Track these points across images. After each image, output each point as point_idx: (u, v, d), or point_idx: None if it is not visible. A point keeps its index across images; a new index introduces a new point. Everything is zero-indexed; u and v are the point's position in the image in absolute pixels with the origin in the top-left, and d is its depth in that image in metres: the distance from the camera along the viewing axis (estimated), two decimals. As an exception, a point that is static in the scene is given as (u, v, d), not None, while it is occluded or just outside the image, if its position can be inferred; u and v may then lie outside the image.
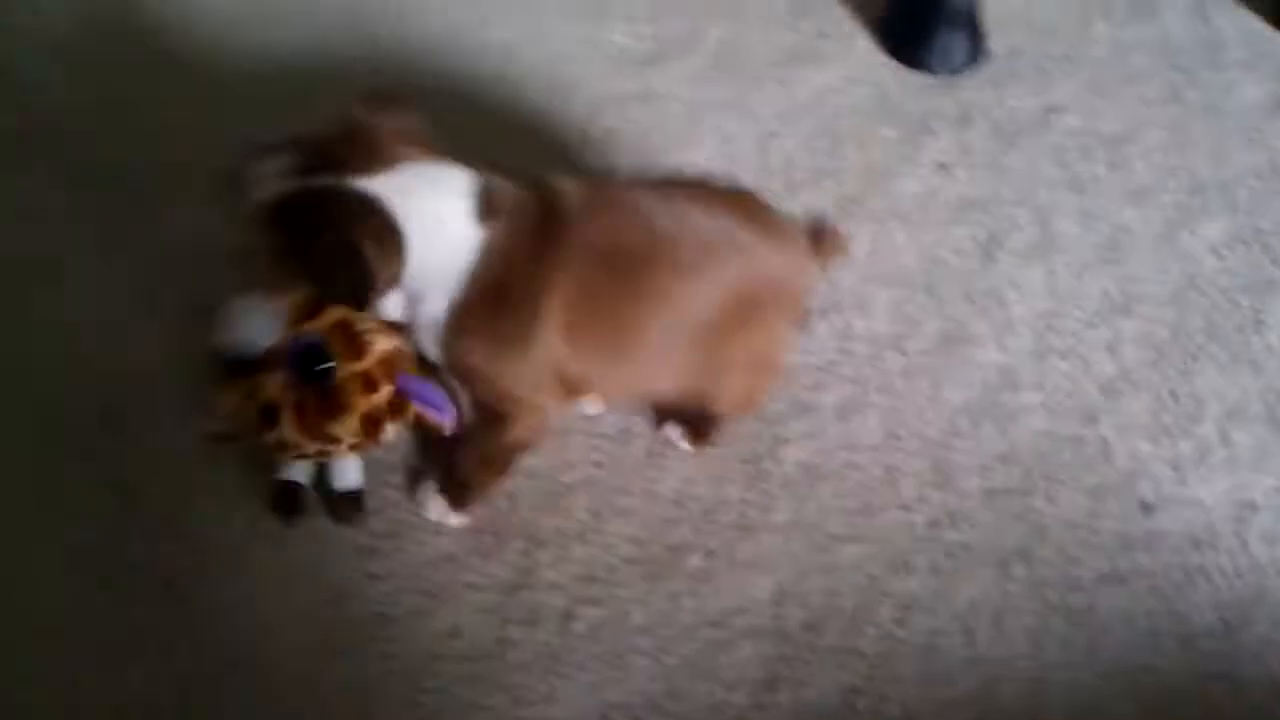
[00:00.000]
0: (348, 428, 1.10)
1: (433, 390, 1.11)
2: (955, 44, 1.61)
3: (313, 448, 1.12)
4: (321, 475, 1.18)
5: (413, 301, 1.03)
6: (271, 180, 0.98)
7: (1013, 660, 1.11)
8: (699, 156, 1.46)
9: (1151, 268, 1.39)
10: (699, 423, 1.20)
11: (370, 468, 1.19)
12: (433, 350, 1.06)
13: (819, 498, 1.21)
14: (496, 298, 1.01)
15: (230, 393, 1.11)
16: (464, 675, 1.10)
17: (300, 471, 1.17)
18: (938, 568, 1.16)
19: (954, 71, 1.62)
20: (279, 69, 1.55)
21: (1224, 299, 1.36)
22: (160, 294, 1.31)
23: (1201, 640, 1.11)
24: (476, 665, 1.11)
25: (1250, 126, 1.55)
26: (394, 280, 0.98)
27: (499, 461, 1.15)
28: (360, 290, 0.96)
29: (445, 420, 1.11)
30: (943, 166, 1.49)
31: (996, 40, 1.65)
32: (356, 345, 1.10)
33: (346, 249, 0.94)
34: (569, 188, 1.04)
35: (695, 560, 1.17)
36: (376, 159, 0.97)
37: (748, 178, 1.30)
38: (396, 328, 1.10)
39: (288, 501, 1.17)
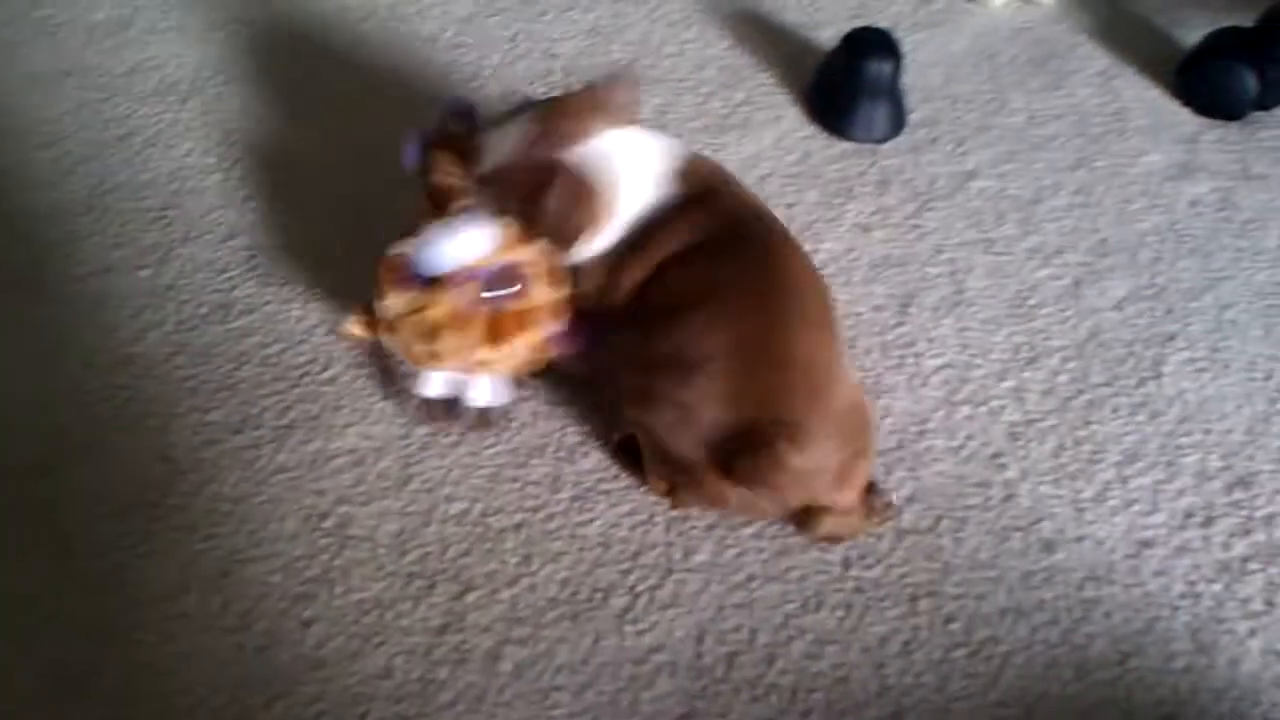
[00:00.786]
0: (504, 351, 1.22)
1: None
2: (877, 115, 1.69)
3: (472, 360, 1.23)
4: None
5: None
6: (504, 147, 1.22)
7: (919, 691, 1.15)
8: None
9: (1058, 322, 1.46)
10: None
11: (307, 518, 1.24)
12: (589, 282, 1.26)
13: (739, 540, 1.25)
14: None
15: (399, 299, 1.23)
16: (393, 715, 1.14)
17: (438, 385, 1.28)
18: (850, 604, 1.21)
19: (876, 140, 1.70)
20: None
21: (1125, 351, 1.43)
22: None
23: (1097, 671, 1.16)
24: (405, 705, 1.14)
25: (1152, 190, 1.63)
26: (595, 231, 1.22)
27: None
28: (571, 242, 1.22)
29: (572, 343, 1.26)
30: (863, 228, 1.56)
31: (917, 111, 1.73)
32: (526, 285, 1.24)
33: (563, 214, 1.20)
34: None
35: (620, 601, 1.21)
36: (587, 126, 1.22)
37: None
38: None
39: (440, 409, 1.31)
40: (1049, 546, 1.24)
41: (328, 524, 1.25)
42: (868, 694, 1.15)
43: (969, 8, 1.94)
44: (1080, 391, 1.38)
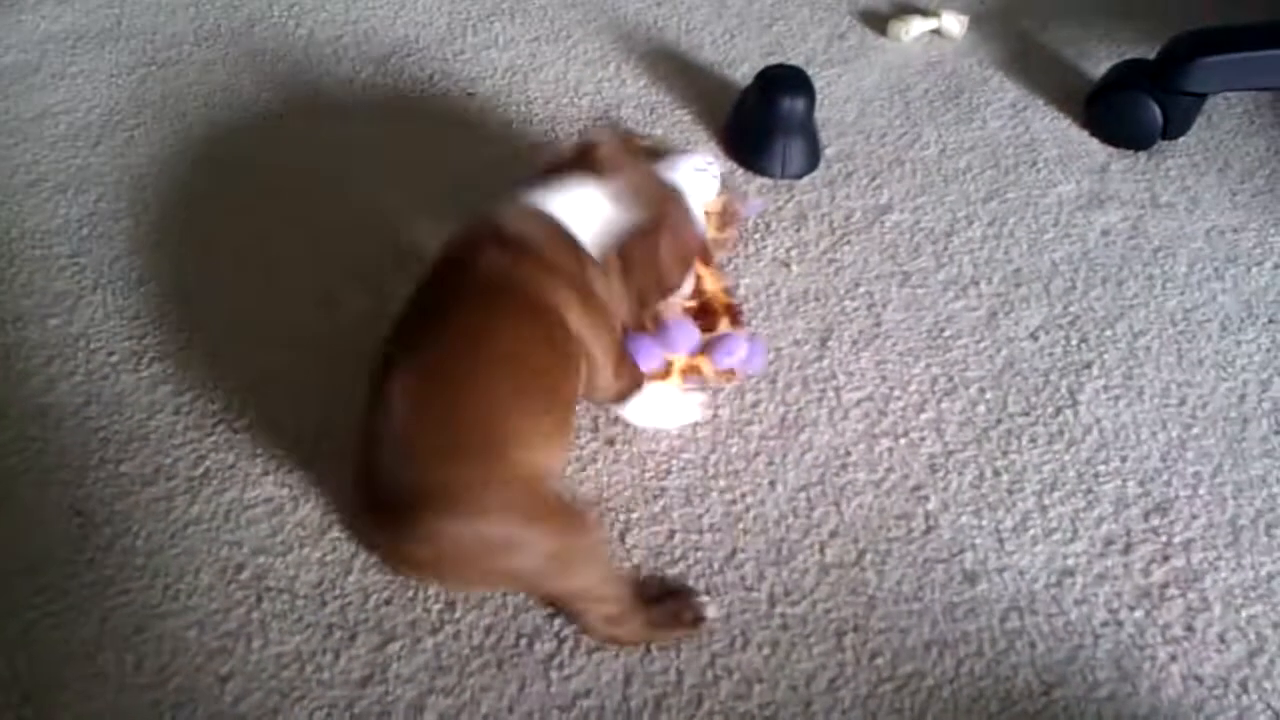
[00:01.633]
0: None
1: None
2: (792, 151, 1.70)
3: None
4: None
5: None
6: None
7: (847, 727, 1.15)
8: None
9: (974, 353, 1.47)
10: None
11: (222, 570, 1.21)
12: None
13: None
14: None
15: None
16: (315, 769, 1.11)
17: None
18: (776, 642, 1.20)
19: (792, 176, 1.71)
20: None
21: (1041, 380, 1.45)
22: None
23: (1021, 702, 1.17)
24: (328, 758, 1.12)
25: (1064, 220, 1.66)
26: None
27: None
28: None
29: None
30: (781, 262, 1.57)
31: (832, 146, 1.75)
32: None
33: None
34: None
35: (546, 646, 1.20)
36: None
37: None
38: None
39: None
40: (971, 577, 1.25)
41: (244, 575, 1.23)
42: (796, 732, 1.15)
43: (880, 43, 1.97)
44: (998, 421, 1.39)
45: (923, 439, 1.38)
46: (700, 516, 1.30)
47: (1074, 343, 1.49)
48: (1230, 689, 1.18)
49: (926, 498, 1.32)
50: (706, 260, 1.41)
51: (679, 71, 1.90)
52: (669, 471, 1.33)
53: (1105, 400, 1.43)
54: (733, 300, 1.41)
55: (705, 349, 1.35)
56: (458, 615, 1.21)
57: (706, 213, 1.42)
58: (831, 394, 1.42)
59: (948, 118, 1.83)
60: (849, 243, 1.61)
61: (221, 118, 1.78)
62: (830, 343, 1.48)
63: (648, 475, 1.32)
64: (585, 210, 1.20)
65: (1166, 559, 1.28)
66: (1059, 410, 1.42)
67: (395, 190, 1.66)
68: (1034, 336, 1.50)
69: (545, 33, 1.98)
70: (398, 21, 1.99)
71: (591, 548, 1.12)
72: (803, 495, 1.32)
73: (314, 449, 1.33)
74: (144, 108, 1.79)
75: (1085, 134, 1.81)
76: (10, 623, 1.19)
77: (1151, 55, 1.77)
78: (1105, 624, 1.22)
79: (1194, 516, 1.32)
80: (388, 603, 1.22)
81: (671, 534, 1.28)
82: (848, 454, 1.36)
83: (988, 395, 1.43)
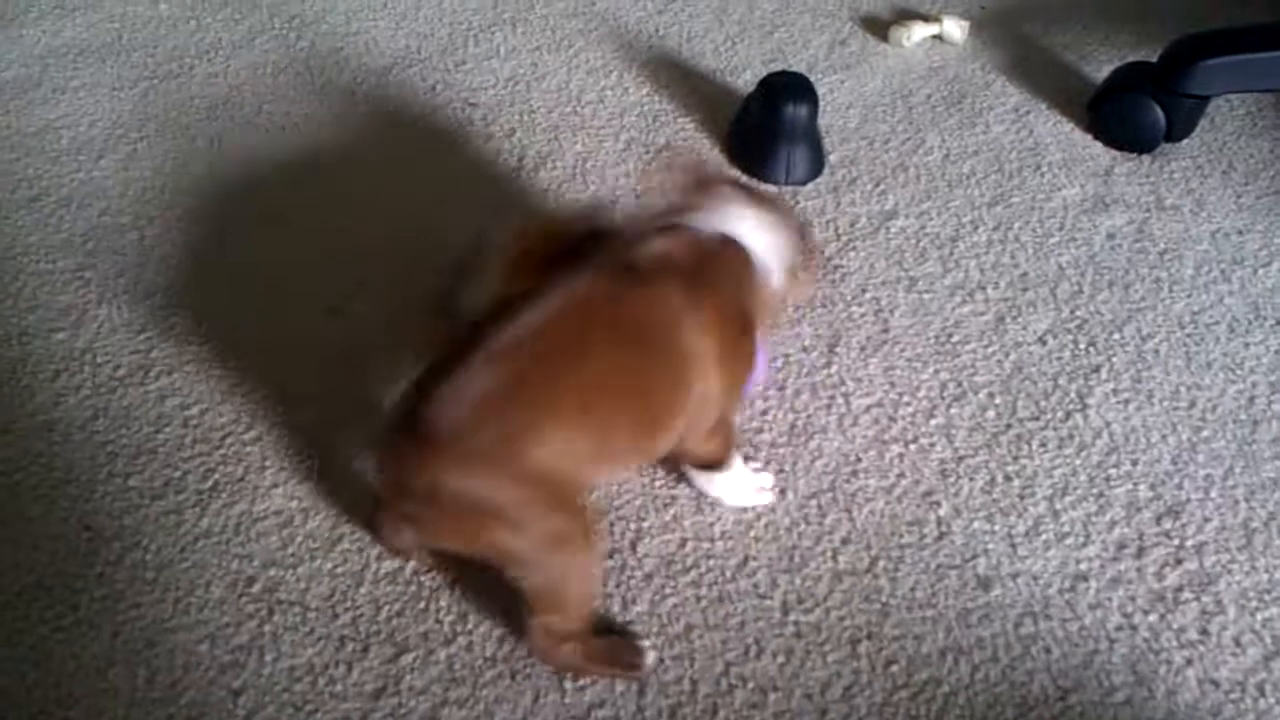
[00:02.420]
0: None
1: None
2: (796, 158, 1.70)
3: None
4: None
5: None
6: None
7: (863, 735, 1.15)
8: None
9: (982, 358, 1.47)
10: None
11: (233, 584, 1.21)
12: None
13: (677, 589, 1.24)
14: None
15: None
16: (330, 783, 1.11)
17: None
18: (790, 650, 1.20)
19: (797, 182, 1.71)
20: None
21: (1050, 384, 1.44)
22: None
23: (1037, 707, 1.16)
24: (342, 772, 1.11)
25: (1069, 224, 1.66)
26: None
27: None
28: None
29: None
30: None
31: (836, 152, 1.75)
32: None
33: None
34: None
35: (558, 656, 1.19)
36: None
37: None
38: None
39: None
40: (985, 583, 1.24)
41: (255, 589, 1.22)
42: (812, 740, 1.14)
43: (883, 49, 1.97)
44: (1008, 426, 1.39)
45: (933, 445, 1.38)
46: (711, 524, 1.29)
47: (1082, 347, 1.49)
48: (1247, 693, 1.17)
49: (938, 504, 1.32)
50: None
51: (681, 79, 1.90)
52: (680, 479, 1.33)
53: (1115, 404, 1.43)
54: None
55: None
56: (470, 626, 1.20)
57: None
58: (840, 400, 1.42)
59: (951, 123, 1.83)
60: (854, 249, 1.61)
61: (224, 131, 1.78)
62: (838, 349, 1.47)
63: (658, 483, 1.32)
64: (764, 238, 1.19)
65: (1179, 562, 1.28)
66: (1069, 414, 1.41)
67: (400, 200, 1.66)
68: (1042, 341, 1.50)
69: (547, 42, 1.98)
70: (399, 33, 1.99)
71: (585, 559, 1.10)
72: (814, 502, 1.31)
73: (324, 461, 1.33)
74: (146, 121, 1.79)
75: (1089, 138, 1.81)
76: (21, 639, 1.19)
77: (1154, 58, 1.77)
78: (1120, 628, 1.22)
79: (1206, 519, 1.31)
80: (400, 614, 1.21)
81: (683, 542, 1.28)
82: (858, 460, 1.36)
83: (997, 400, 1.43)
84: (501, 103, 1.85)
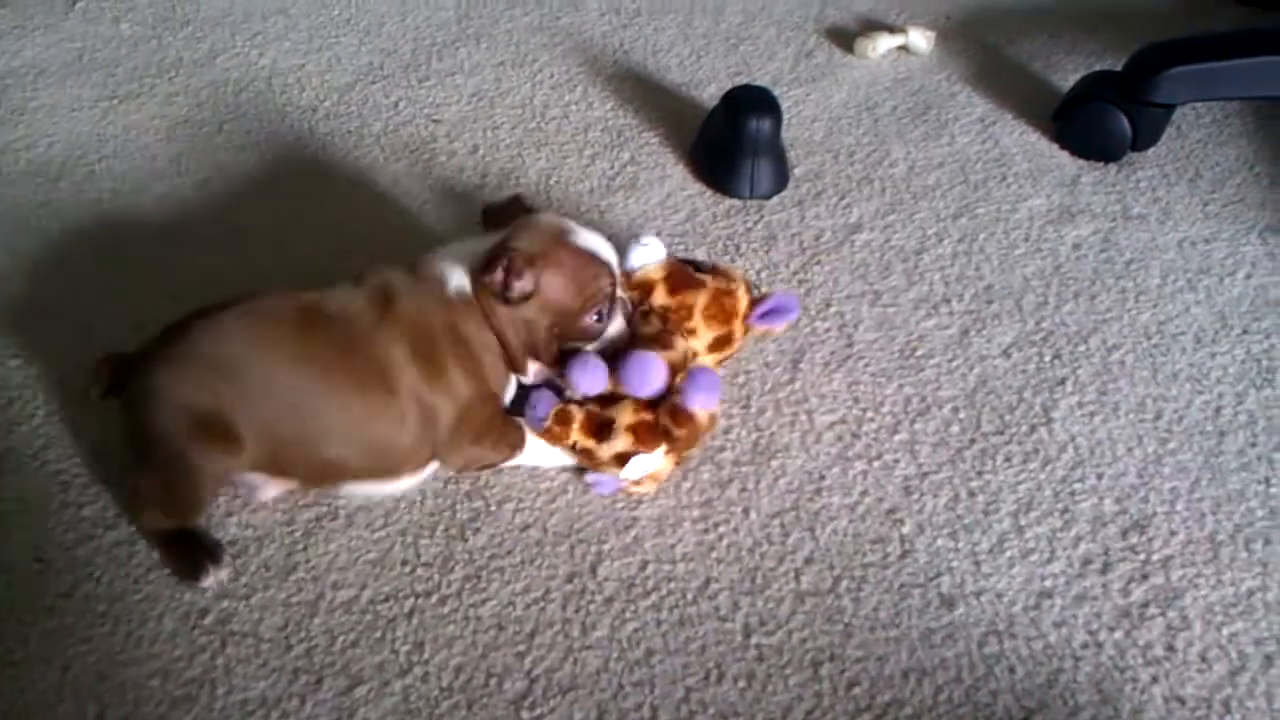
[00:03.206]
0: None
1: None
2: (760, 171, 1.69)
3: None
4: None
5: None
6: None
7: (825, 760, 1.13)
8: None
9: (947, 372, 1.46)
10: None
11: (185, 616, 1.19)
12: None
13: (638, 612, 1.23)
14: None
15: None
16: (283, 818, 1.09)
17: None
18: (752, 674, 1.18)
19: (761, 196, 1.70)
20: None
21: (1015, 398, 1.43)
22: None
23: (1002, 727, 1.15)
24: (296, 807, 1.09)
25: (1035, 234, 1.65)
26: None
27: None
28: None
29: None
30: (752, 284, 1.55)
31: (800, 165, 1.74)
32: None
33: None
34: None
35: (516, 684, 1.17)
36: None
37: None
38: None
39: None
40: (949, 602, 1.23)
41: (208, 620, 1.20)
42: (773, 766, 1.13)
43: (848, 61, 1.97)
44: (972, 441, 1.38)
45: (896, 461, 1.36)
46: (673, 546, 1.28)
47: (1047, 359, 1.48)
48: (1213, 709, 1.16)
49: (901, 521, 1.30)
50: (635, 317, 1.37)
51: (646, 93, 1.89)
52: (640, 501, 1.31)
53: (1080, 417, 1.42)
54: (670, 334, 1.33)
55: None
56: (426, 656, 1.19)
57: (648, 278, 1.34)
58: (804, 417, 1.41)
59: (916, 134, 1.82)
60: (819, 263, 1.60)
61: (185, 150, 1.76)
62: (802, 365, 1.46)
63: (619, 505, 1.30)
64: (465, 255, 1.26)
65: (1145, 577, 1.26)
66: (1033, 428, 1.40)
67: (364, 217, 1.64)
68: (1006, 354, 1.49)
69: (511, 58, 1.96)
70: (362, 49, 1.97)
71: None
72: (776, 522, 1.30)
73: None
74: (105, 142, 1.77)
75: (1055, 147, 1.80)
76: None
77: (1119, 67, 1.76)
78: (1085, 646, 1.21)
79: (1172, 533, 1.30)
80: (354, 645, 1.19)
81: (644, 565, 1.26)
82: (821, 478, 1.34)
83: (961, 415, 1.41)
84: (465, 119, 1.83)
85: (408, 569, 1.25)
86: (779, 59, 1.97)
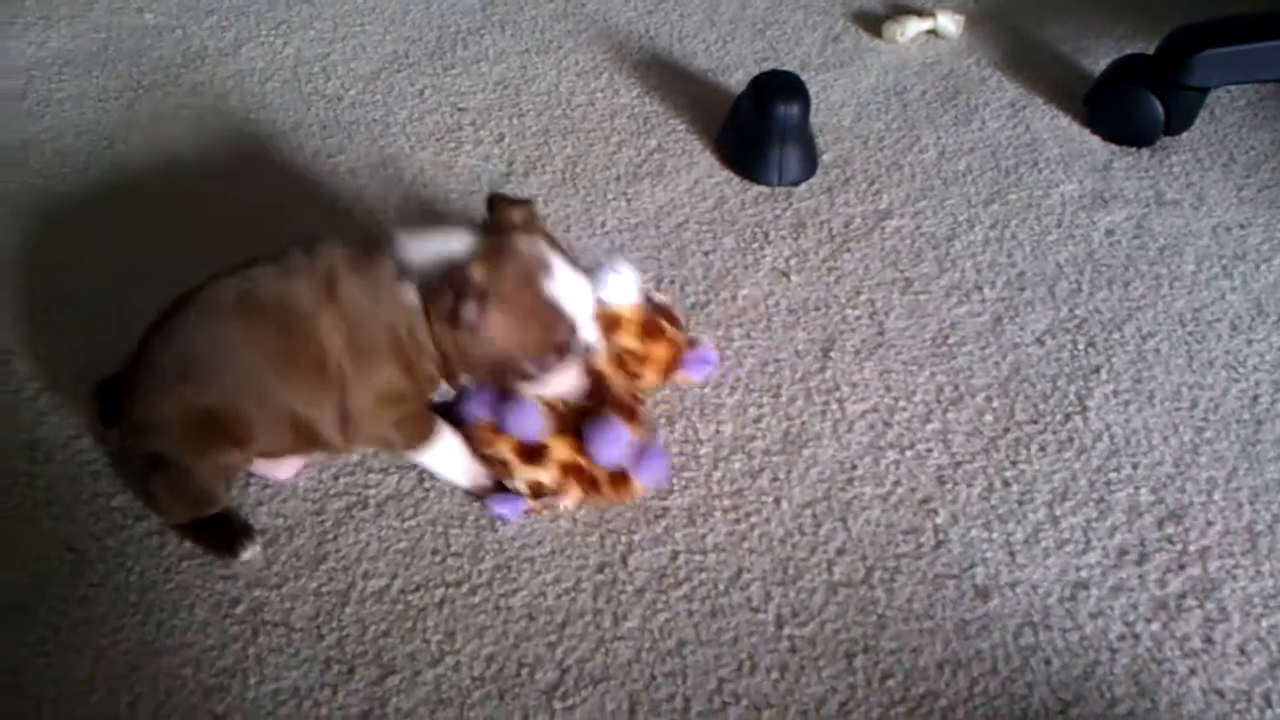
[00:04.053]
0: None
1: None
2: (789, 158, 1.67)
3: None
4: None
5: None
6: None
7: (859, 752, 1.12)
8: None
9: (979, 360, 1.45)
10: None
11: (217, 605, 1.19)
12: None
13: (669, 603, 1.22)
14: None
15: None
16: (315, 809, 1.09)
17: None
18: (785, 665, 1.17)
19: (790, 183, 1.68)
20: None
21: (1049, 386, 1.42)
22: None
23: None
24: (328, 798, 1.09)
25: (1067, 221, 1.63)
26: None
27: None
28: None
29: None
30: (781, 272, 1.54)
31: (829, 151, 1.72)
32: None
33: None
34: None
35: (549, 675, 1.17)
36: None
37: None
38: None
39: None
40: (983, 593, 1.22)
41: (239, 610, 1.20)
42: (807, 758, 1.12)
43: (875, 45, 1.95)
44: (1006, 430, 1.37)
45: (929, 450, 1.35)
46: (704, 536, 1.27)
47: (1081, 347, 1.47)
48: (1253, 703, 1.15)
49: (935, 511, 1.29)
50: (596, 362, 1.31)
51: (672, 80, 1.87)
52: (671, 491, 1.30)
53: (1115, 405, 1.40)
54: (638, 403, 1.30)
55: (582, 437, 1.26)
56: (458, 645, 1.18)
57: (621, 318, 1.32)
58: (835, 406, 1.39)
59: (946, 119, 1.80)
60: (849, 250, 1.58)
61: (211, 140, 1.75)
62: (833, 353, 1.45)
63: (649, 495, 1.30)
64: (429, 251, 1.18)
65: (1182, 568, 1.25)
66: (1068, 417, 1.39)
67: (390, 206, 1.64)
68: (1040, 341, 1.47)
69: (536, 45, 1.95)
70: (387, 37, 1.97)
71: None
72: (808, 512, 1.29)
73: (307, 478, 1.31)
74: (132, 132, 1.77)
75: (1086, 132, 1.78)
76: (1, 663, 1.16)
77: (1150, 50, 1.74)
78: (1122, 638, 1.19)
79: (1209, 523, 1.29)
80: (386, 634, 1.19)
81: (675, 555, 1.25)
82: (853, 468, 1.33)
83: (994, 404, 1.40)
84: (490, 107, 1.83)
85: (438, 559, 1.24)
86: (806, 44, 1.96)
